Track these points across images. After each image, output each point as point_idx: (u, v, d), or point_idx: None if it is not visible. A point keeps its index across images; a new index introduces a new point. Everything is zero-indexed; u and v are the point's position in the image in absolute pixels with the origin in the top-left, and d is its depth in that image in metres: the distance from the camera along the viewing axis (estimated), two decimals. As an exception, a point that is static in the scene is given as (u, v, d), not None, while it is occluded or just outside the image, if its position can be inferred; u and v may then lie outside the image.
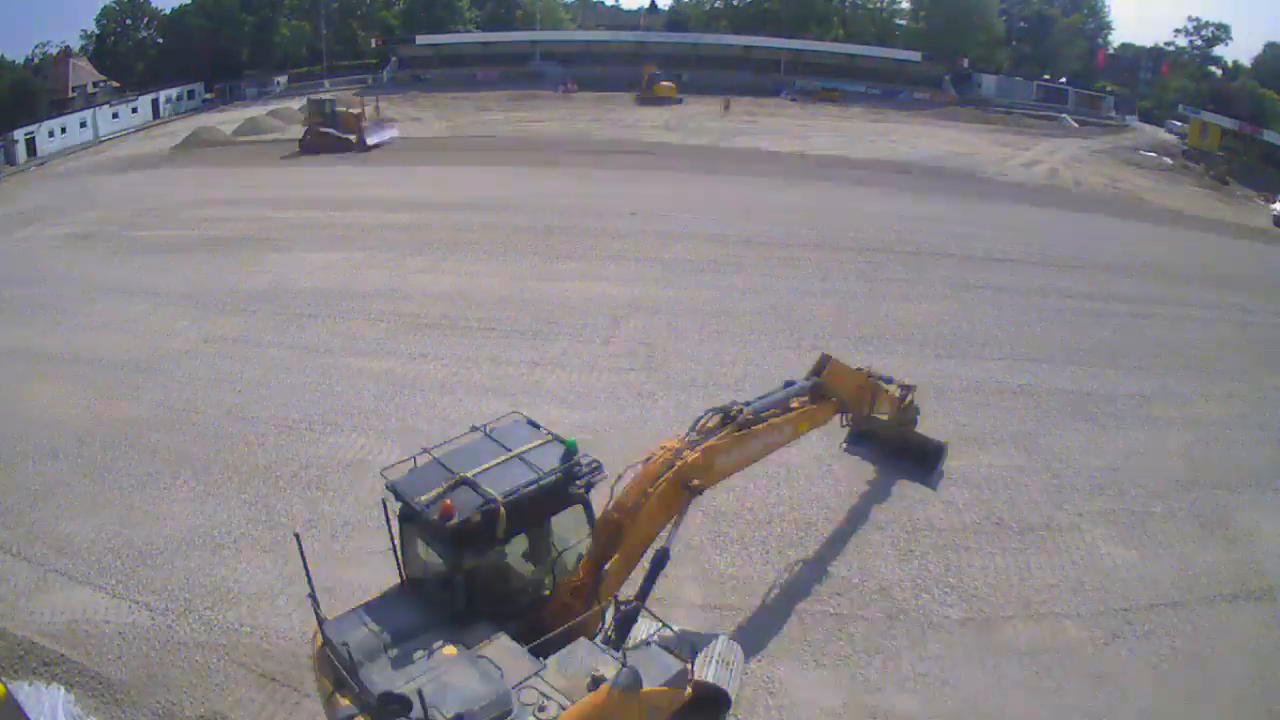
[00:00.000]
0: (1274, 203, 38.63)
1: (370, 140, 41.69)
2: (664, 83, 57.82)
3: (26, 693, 8.94)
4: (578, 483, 7.71)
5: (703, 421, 9.06)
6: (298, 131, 43.96)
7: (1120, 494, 12.92)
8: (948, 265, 23.63)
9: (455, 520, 6.92)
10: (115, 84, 63.28)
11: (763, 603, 10.49)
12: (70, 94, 60.22)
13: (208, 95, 64.26)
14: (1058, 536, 11.87)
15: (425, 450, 7.79)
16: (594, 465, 7.77)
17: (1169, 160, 46.93)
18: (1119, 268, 24.67)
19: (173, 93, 61.72)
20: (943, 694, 9.20)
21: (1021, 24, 74.39)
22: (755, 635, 9.88)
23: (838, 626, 10.10)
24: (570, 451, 7.69)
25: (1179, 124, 55.99)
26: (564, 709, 6.41)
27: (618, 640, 7.73)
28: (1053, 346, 18.35)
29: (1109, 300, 21.55)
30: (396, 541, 7.67)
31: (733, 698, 8.01)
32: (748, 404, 9.47)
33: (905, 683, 9.34)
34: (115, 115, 55.81)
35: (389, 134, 43.83)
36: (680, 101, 56.62)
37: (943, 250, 24.91)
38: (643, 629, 8.09)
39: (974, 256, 24.64)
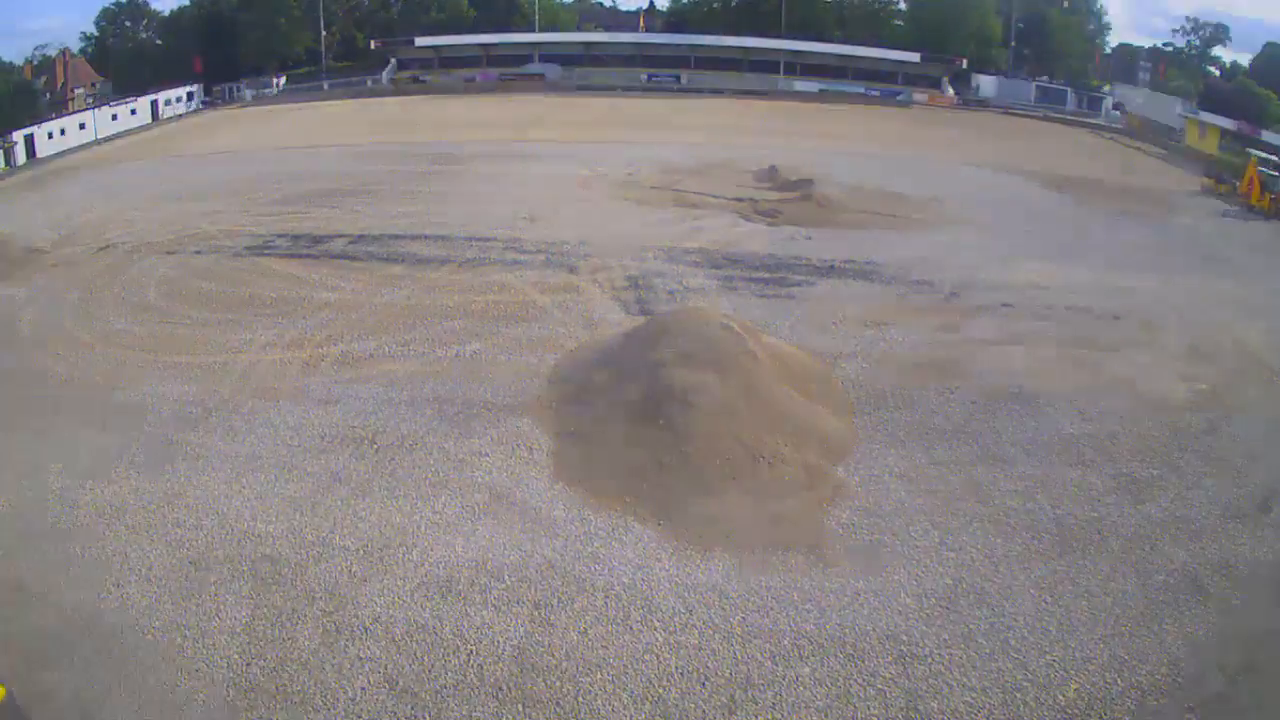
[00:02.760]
0: None
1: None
2: None
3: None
4: None
5: None
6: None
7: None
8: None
9: None
10: (100, 81, 63.24)
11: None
12: (70, 95, 60.27)
13: (206, 97, 64.52)
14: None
15: None
16: None
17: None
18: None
19: (172, 94, 61.67)
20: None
21: (1019, 25, 74.45)
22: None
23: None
24: None
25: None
26: None
27: None
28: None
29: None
30: None
31: None
32: None
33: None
34: (114, 117, 55.69)
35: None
36: None
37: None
38: None
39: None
